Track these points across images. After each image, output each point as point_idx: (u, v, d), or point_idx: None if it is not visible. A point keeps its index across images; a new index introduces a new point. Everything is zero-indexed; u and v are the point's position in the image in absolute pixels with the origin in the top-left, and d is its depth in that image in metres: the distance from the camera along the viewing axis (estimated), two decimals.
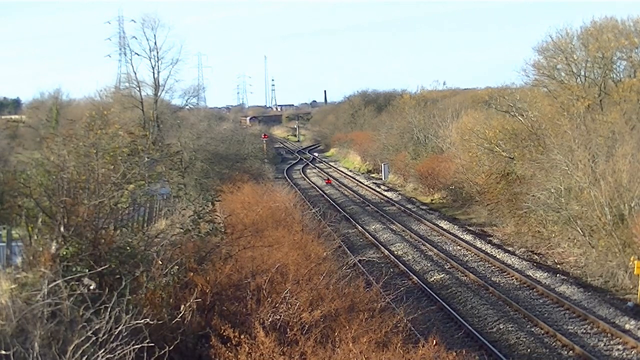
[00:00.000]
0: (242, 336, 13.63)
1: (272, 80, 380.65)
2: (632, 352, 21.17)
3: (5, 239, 20.95)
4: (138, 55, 64.39)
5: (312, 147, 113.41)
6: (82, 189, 16.25)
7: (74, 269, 14.41)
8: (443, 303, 26.35)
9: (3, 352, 11.36)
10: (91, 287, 13.98)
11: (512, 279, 29.55)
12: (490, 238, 37.91)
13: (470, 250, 34.81)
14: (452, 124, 53.78)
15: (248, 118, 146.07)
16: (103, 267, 14.45)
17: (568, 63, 39.64)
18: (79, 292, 13.08)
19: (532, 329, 23.46)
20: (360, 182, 64.75)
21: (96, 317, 11.83)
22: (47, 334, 11.86)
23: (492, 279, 29.78)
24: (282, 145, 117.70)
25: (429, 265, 32.45)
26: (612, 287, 27.94)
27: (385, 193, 56.33)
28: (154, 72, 63.13)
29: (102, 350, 11.20)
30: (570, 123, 34.28)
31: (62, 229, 15.25)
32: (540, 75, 41.40)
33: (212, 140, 50.90)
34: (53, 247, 14.91)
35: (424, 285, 28.91)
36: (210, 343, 13.88)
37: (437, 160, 51.78)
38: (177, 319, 13.97)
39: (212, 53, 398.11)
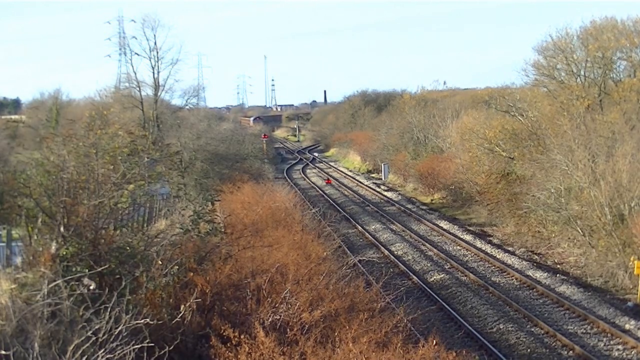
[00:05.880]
0: (242, 336, 13.62)
1: (272, 80, 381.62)
2: (632, 352, 21.18)
3: (5, 239, 20.96)
4: (138, 55, 64.55)
5: (312, 147, 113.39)
6: (82, 189, 16.25)
7: (74, 269, 14.41)
8: (443, 303, 26.35)
9: (3, 352, 11.35)
10: (91, 287, 13.97)
11: (512, 279, 29.55)
12: (490, 238, 37.91)
13: (470, 250, 34.81)
14: (452, 124, 53.79)
15: (251, 118, 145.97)
16: (103, 267, 14.44)
17: (568, 63, 39.66)
18: (79, 292, 13.08)
19: (532, 329, 23.46)
20: (360, 182, 64.73)
21: (96, 317, 11.82)
22: (47, 334, 11.85)
23: (492, 279, 29.77)
24: (282, 146, 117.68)
25: (428, 265, 32.44)
26: (612, 287, 27.95)
27: (385, 193, 56.32)
28: (154, 72, 63.23)
29: (102, 350, 11.20)
30: (570, 123, 34.28)
31: (62, 229, 15.25)
32: (540, 75, 41.43)
33: (212, 140, 50.89)
34: (53, 247, 14.91)
35: (424, 285, 28.91)
36: (210, 343, 13.88)
37: (437, 160, 51.77)
38: (177, 319, 13.97)
39: (212, 53, 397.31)
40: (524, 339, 22.43)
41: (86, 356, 11.05)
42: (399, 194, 56.24)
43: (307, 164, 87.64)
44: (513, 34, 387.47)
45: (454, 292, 28.13)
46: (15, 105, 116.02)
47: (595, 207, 29.41)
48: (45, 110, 77.14)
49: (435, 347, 13.91)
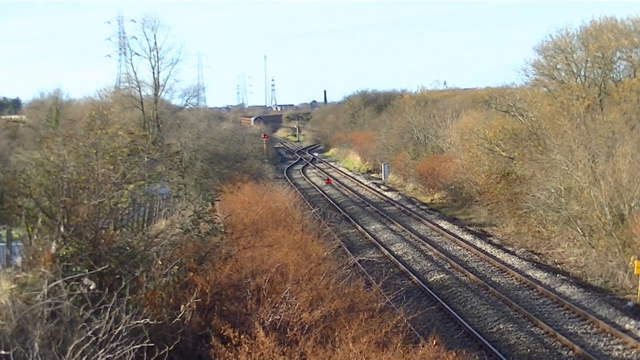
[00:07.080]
0: (242, 336, 13.63)
1: (272, 80, 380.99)
2: (632, 352, 21.18)
3: (5, 239, 20.97)
4: (138, 55, 64.62)
5: (312, 147, 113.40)
6: (82, 189, 16.25)
7: (74, 269, 14.41)
8: (443, 303, 26.34)
9: (3, 352, 11.35)
10: (91, 287, 13.98)
11: (512, 279, 29.55)
12: (490, 238, 37.91)
13: (470, 250, 34.81)
14: (452, 124, 53.79)
15: (252, 118, 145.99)
16: (103, 267, 14.45)
17: (568, 63, 39.68)
18: (79, 292, 13.08)
19: (532, 329, 23.46)
20: (360, 182, 64.74)
21: (96, 317, 11.82)
22: (47, 334, 11.85)
23: (492, 279, 29.77)
24: (282, 146, 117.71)
25: (428, 265, 32.44)
26: (612, 287, 27.94)
27: (385, 193, 56.32)
28: (154, 72, 63.26)
29: (102, 350, 11.20)
30: (570, 123, 34.27)
31: (62, 229, 15.25)
32: (540, 75, 41.46)
33: (212, 140, 50.87)
34: (53, 247, 14.91)
35: (424, 285, 28.90)
36: (210, 343, 13.88)
37: (437, 160, 51.77)
38: (177, 319, 13.97)
39: (212, 53, 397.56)
40: (524, 339, 22.42)
41: (86, 356, 11.05)
42: (399, 194, 56.25)
43: (307, 164, 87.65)
44: (513, 34, 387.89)
45: (454, 292, 28.13)
46: (15, 105, 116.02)
47: (595, 207, 29.41)
48: (45, 110, 77.15)
49: (435, 347, 13.92)
